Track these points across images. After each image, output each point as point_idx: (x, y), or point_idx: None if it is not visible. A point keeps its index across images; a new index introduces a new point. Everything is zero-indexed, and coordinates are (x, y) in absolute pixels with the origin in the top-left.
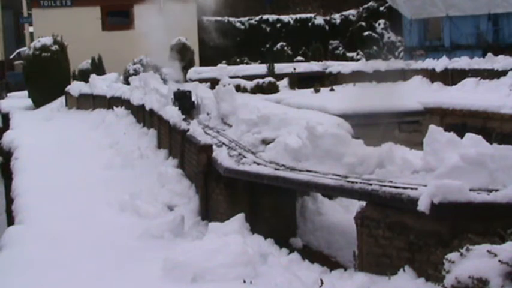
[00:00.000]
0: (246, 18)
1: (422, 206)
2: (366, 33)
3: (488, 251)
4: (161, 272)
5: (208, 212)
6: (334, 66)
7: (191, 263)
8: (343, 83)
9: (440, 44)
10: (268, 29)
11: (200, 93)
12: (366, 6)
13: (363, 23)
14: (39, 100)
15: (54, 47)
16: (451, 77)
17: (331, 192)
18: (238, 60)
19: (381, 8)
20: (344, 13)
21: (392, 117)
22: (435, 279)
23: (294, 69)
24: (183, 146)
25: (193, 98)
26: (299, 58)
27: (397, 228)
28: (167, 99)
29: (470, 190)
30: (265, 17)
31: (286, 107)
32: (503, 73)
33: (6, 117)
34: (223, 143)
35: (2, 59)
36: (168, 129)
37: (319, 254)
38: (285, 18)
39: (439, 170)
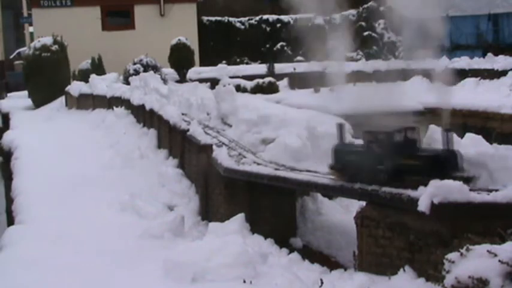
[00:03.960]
0: (246, 18)
1: (423, 206)
2: (365, 33)
3: (488, 251)
4: (161, 272)
5: (208, 212)
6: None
7: (191, 263)
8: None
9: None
10: (268, 29)
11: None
12: (366, 6)
13: (363, 23)
14: (39, 100)
15: (54, 47)
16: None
17: (331, 192)
18: (238, 60)
19: (381, 8)
20: (344, 13)
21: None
22: (435, 279)
23: (294, 69)
24: (183, 146)
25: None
26: (299, 58)
27: (397, 228)
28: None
29: (470, 190)
30: (265, 17)
31: (286, 107)
32: (503, 73)
33: (6, 117)
34: (223, 143)
35: (2, 59)
36: (168, 129)
37: (319, 254)
38: (285, 18)
39: None
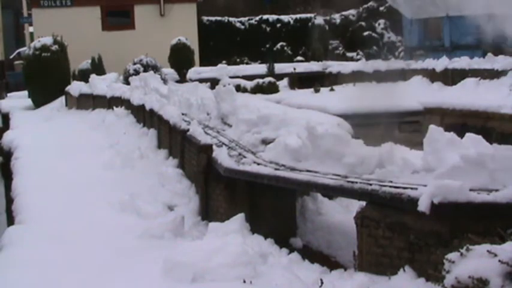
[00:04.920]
0: (246, 18)
1: (423, 206)
2: (366, 33)
3: (488, 251)
4: (161, 272)
5: (208, 212)
6: (334, 66)
7: (191, 263)
8: (343, 83)
9: (440, 44)
10: (268, 29)
11: None
12: (365, 6)
13: (363, 23)
14: (39, 100)
15: (54, 47)
16: (451, 77)
17: (331, 192)
18: (238, 60)
19: (381, 8)
20: (344, 13)
21: (393, 117)
22: (435, 279)
23: (294, 69)
24: (183, 146)
25: None
26: (299, 58)
27: (397, 228)
28: None
29: (470, 190)
30: (265, 17)
31: (286, 107)
32: (503, 73)
33: (6, 117)
34: (223, 143)
35: (2, 59)
36: (168, 129)
37: (319, 254)
38: (285, 18)
39: (439, 170)
